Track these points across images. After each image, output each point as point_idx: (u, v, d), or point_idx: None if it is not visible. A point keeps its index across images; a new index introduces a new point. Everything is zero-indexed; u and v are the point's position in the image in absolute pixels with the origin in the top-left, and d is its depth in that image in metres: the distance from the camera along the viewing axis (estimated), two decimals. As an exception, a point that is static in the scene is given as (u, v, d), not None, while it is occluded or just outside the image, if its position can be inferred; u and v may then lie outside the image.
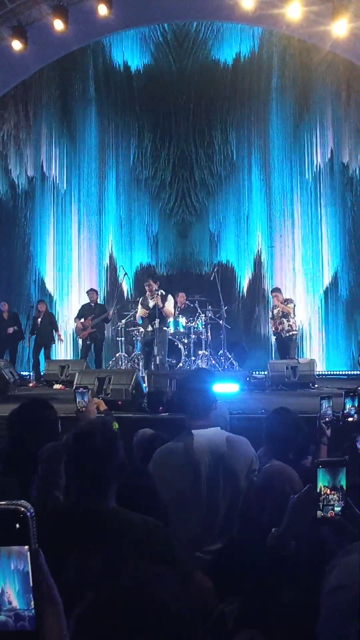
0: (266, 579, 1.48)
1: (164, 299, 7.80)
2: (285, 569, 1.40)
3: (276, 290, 9.54)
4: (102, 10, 9.85)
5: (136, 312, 8.42)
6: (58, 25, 10.11)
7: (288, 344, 9.07)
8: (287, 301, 9.24)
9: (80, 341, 9.84)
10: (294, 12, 9.53)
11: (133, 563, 1.36)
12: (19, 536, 0.57)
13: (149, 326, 7.76)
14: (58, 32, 10.19)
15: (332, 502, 1.51)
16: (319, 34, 9.93)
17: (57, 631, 0.55)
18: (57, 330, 9.99)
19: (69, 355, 11.17)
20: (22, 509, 0.58)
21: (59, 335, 10.00)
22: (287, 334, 9.06)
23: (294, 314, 9.16)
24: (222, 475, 2.36)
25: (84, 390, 3.22)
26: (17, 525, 0.57)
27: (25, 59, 10.66)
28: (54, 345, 10.13)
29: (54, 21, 10.06)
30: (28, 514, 0.58)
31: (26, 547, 0.57)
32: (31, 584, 0.56)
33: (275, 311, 9.21)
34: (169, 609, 1.47)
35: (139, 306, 8.05)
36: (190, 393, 2.48)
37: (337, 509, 1.51)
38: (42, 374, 9.33)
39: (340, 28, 9.58)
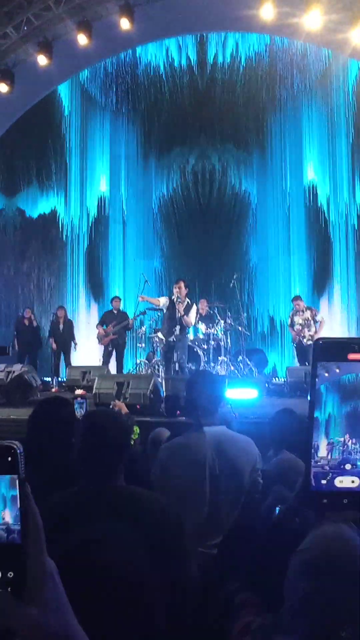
0: (269, 556, 1.55)
1: (188, 307, 7.86)
2: (287, 545, 1.47)
3: (297, 298, 9.54)
4: (125, 24, 10.10)
5: (157, 305, 8.45)
6: (82, 40, 10.40)
7: (308, 351, 9.06)
8: (311, 310, 9.24)
9: (102, 347, 10.01)
10: (313, 21, 9.61)
11: (133, 536, 1.47)
12: (10, 468, 0.71)
13: (171, 336, 7.82)
14: (82, 46, 10.49)
15: None
16: (338, 42, 9.97)
17: (39, 547, 0.69)
18: (73, 339, 10.26)
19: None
20: (14, 446, 0.72)
21: (75, 344, 10.27)
22: (308, 342, 9.06)
23: (314, 321, 9.16)
24: (225, 472, 2.43)
25: (82, 401, 3.27)
26: (9, 459, 0.71)
27: (50, 73, 10.97)
28: (74, 351, 10.36)
29: (78, 36, 10.36)
30: (18, 451, 0.71)
31: (16, 475, 0.71)
32: (19, 506, 0.70)
33: (297, 319, 9.18)
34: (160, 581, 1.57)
35: (164, 300, 8.09)
36: (198, 392, 2.56)
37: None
38: (63, 379, 9.56)
39: (360, 36, 9.61)
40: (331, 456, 0.73)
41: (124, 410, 4.50)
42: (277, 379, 9.46)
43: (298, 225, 12.06)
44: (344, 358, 0.73)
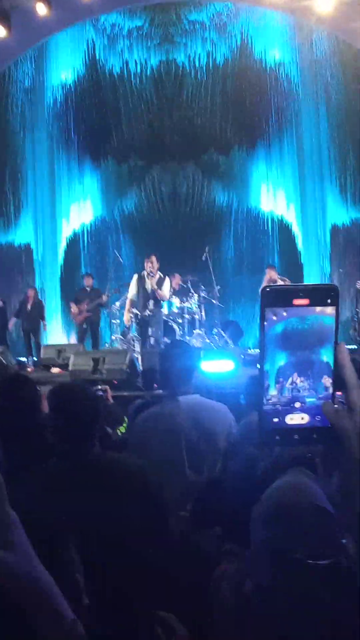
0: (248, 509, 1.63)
1: (161, 281, 7.91)
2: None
3: (270, 267, 9.56)
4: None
5: (126, 295, 8.45)
6: (41, 9, 10.06)
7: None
8: (283, 280, 9.25)
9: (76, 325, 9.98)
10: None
11: (118, 499, 1.52)
12: None
13: (145, 310, 7.87)
14: (41, 16, 10.14)
15: None
16: (302, 9, 9.87)
17: (2, 498, 0.75)
18: (43, 319, 10.20)
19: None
20: None
21: (44, 325, 10.21)
22: None
23: None
24: (202, 439, 2.50)
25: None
26: None
27: (9, 45, 10.62)
28: (43, 332, 10.31)
29: (36, 5, 10.01)
30: None
31: None
32: None
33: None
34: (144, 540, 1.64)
35: (134, 285, 8.08)
36: (171, 362, 2.61)
37: None
38: (35, 358, 9.56)
39: (324, 3, 9.51)
40: (281, 395, 0.77)
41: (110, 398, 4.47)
42: (252, 350, 9.58)
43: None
44: (290, 304, 0.77)
